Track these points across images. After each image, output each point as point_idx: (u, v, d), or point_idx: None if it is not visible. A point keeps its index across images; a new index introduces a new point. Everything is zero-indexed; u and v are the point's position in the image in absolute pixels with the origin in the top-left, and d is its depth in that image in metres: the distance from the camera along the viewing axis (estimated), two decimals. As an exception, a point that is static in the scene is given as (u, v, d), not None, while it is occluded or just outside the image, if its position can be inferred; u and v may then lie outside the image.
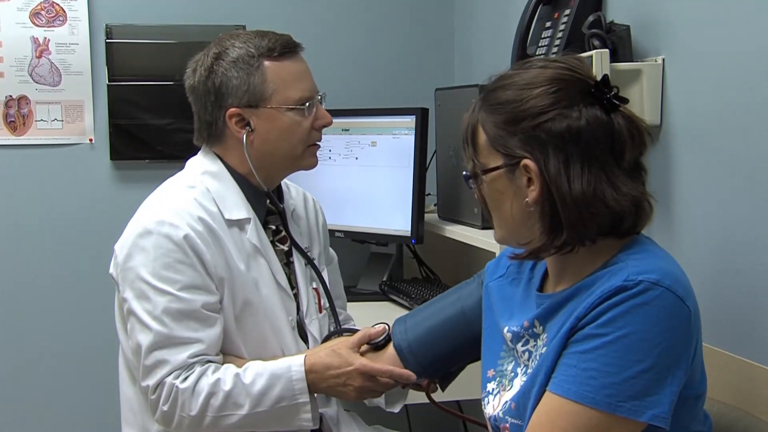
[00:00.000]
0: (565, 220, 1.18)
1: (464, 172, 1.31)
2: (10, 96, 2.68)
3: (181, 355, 1.55)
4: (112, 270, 1.65)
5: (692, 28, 1.61)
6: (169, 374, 1.55)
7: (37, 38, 2.67)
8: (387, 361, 1.54)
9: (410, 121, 2.46)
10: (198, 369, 1.56)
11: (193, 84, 1.69)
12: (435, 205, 2.54)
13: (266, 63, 1.66)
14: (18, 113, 2.69)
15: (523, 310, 1.31)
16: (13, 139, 2.70)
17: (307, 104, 1.68)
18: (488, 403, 1.34)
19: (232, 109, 1.66)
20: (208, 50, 1.69)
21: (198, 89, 1.68)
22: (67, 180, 2.74)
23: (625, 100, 1.21)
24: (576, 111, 1.18)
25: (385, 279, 2.60)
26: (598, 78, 1.22)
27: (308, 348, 1.73)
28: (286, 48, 1.68)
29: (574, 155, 1.18)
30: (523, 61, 1.32)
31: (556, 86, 1.19)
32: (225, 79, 1.65)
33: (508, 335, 1.32)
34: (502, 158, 1.22)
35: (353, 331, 1.67)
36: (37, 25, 2.67)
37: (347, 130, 2.60)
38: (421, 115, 2.44)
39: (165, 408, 1.56)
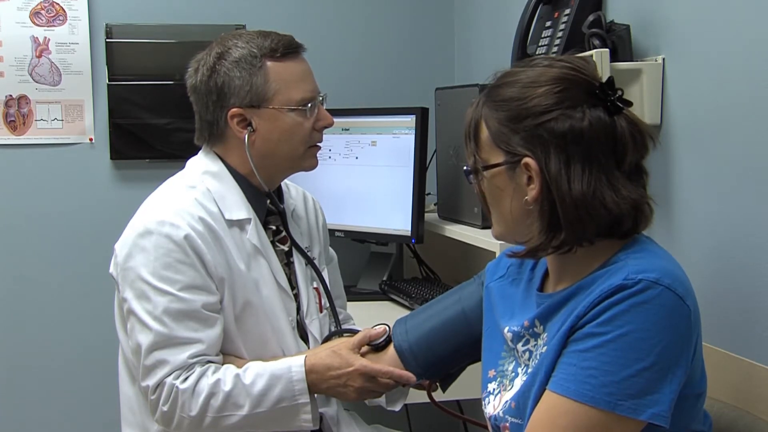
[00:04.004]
0: (563, 220, 1.18)
1: (465, 167, 1.31)
2: (10, 95, 2.68)
3: (181, 355, 1.55)
4: (112, 270, 1.65)
5: (692, 27, 1.61)
6: (169, 374, 1.55)
7: (37, 38, 2.67)
8: (387, 362, 1.54)
9: (410, 120, 2.46)
10: (198, 369, 1.56)
11: (195, 83, 1.69)
12: (435, 204, 2.54)
13: (269, 63, 1.66)
14: (18, 113, 2.69)
15: (524, 310, 1.32)
16: (13, 139, 2.70)
17: (309, 105, 1.69)
18: (489, 402, 1.34)
19: (234, 109, 1.65)
20: (210, 50, 1.69)
21: (200, 89, 1.68)
22: (67, 180, 2.75)
23: (629, 103, 1.21)
24: (579, 112, 1.18)
25: (385, 278, 2.60)
26: (603, 79, 1.22)
27: (308, 348, 1.73)
28: (288, 48, 1.68)
29: (575, 156, 1.18)
30: (529, 58, 1.32)
31: (561, 86, 1.19)
32: (227, 78, 1.65)
33: (509, 335, 1.32)
34: (503, 155, 1.22)
35: (354, 332, 1.67)
36: (37, 25, 2.67)
37: (347, 129, 2.60)
38: (421, 115, 2.44)
39: (165, 408, 1.56)
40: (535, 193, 1.20)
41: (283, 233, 1.79)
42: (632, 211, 1.20)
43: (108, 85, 2.71)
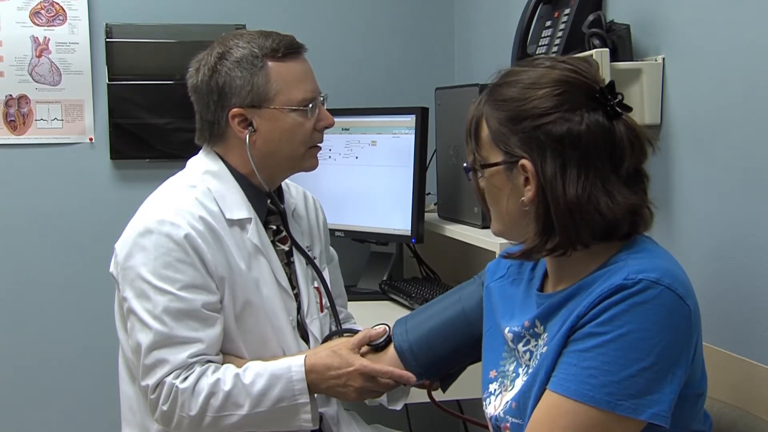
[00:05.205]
0: (557, 224, 1.19)
1: (465, 165, 1.31)
2: (10, 95, 2.68)
3: (181, 354, 1.55)
4: (112, 269, 1.65)
5: (692, 27, 1.61)
6: (169, 374, 1.55)
7: (37, 37, 2.67)
8: (387, 362, 1.54)
9: (410, 120, 2.46)
10: (198, 369, 1.56)
11: (196, 83, 1.69)
12: (435, 204, 2.54)
13: (270, 63, 1.66)
14: (18, 112, 2.69)
15: (524, 310, 1.32)
16: (13, 139, 2.70)
17: (310, 105, 1.69)
18: (489, 403, 1.34)
19: (235, 109, 1.65)
20: (211, 50, 1.69)
21: (201, 89, 1.68)
22: (67, 179, 2.74)
23: (629, 108, 1.21)
24: (578, 115, 1.18)
25: (385, 278, 2.60)
26: (605, 82, 1.22)
27: (309, 347, 1.73)
28: (289, 49, 1.68)
29: (571, 160, 1.18)
30: (532, 57, 1.31)
31: (561, 88, 1.19)
32: (228, 78, 1.65)
33: (509, 335, 1.32)
34: (501, 155, 1.22)
35: (354, 332, 1.67)
36: (37, 25, 2.67)
37: (347, 129, 2.60)
38: (421, 115, 2.44)
39: (165, 408, 1.56)
40: (531, 194, 1.20)
41: (284, 233, 1.79)
42: (628, 216, 1.20)
43: (108, 84, 2.71)
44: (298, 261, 1.79)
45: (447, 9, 2.94)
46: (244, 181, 1.71)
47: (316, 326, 1.78)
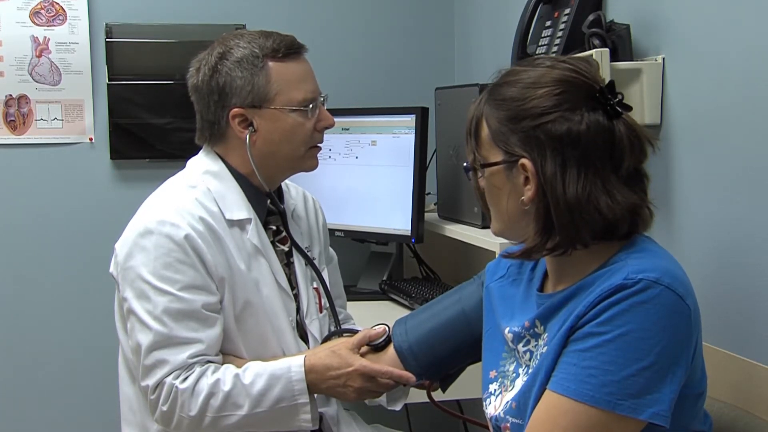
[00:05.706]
0: (556, 223, 1.19)
1: (464, 164, 1.31)
2: (10, 95, 2.68)
3: (180, 355, 1.55)
4: (112, 269, 1.65)
5: (692, 27, 1.61)
6: (169, 374, 1.55)
7: (37, 37, 2.68)
8: (387, 363, 1.54)
9: (410, 120, 2.46)
10: (198, 369, 1.56)
11: (197, 83, 1.69)
12: (435, 204, 2.54)
13: (270, 64, 1.66)
14: (18, 112, 2.69)
15: (524, 311, 1.32)
16: (13, 138, 2.70)
17: (311, 105, 1.69)
18: (490, 403, 1.34)
19: (236, 110, 1.65)
20: (211, 49, 1.69)
21: (201, 89, 1.68)
22: (67, 179, 2.75)
23: (629, 108, 1.21)
24: (578, 115, 1.18)
25: (385, 278, 2.60)
26: (606, 82, 1.22)
27: (308, 348, 1.73)
28: (290, 49, 1.68)
29: (571, 159, 1.18)
30: (532, 57, 1.31)
31: (561, 88, 1.19)
32: (229, 78, 1.65)
33: (509, 336, 1.32)
34: (501, 154, 1.23)
35: (353, 332, 1.67)
36: (37, 24, 2.67)
37: (347, 129, 2.60)
38: (421, 115, 2.44)
39: (164, 408, 1.56)
40: (531, 194, 1.20)
41: (284, 233, 1.79)
42: (628, 215, 1.20)
43: (108, 84, 2.71)
44: (298, 261, 1.79)
45: (447, 9, 2.94)
46: (244, 181, 1.71)
47: (315, 327, 1.78)
